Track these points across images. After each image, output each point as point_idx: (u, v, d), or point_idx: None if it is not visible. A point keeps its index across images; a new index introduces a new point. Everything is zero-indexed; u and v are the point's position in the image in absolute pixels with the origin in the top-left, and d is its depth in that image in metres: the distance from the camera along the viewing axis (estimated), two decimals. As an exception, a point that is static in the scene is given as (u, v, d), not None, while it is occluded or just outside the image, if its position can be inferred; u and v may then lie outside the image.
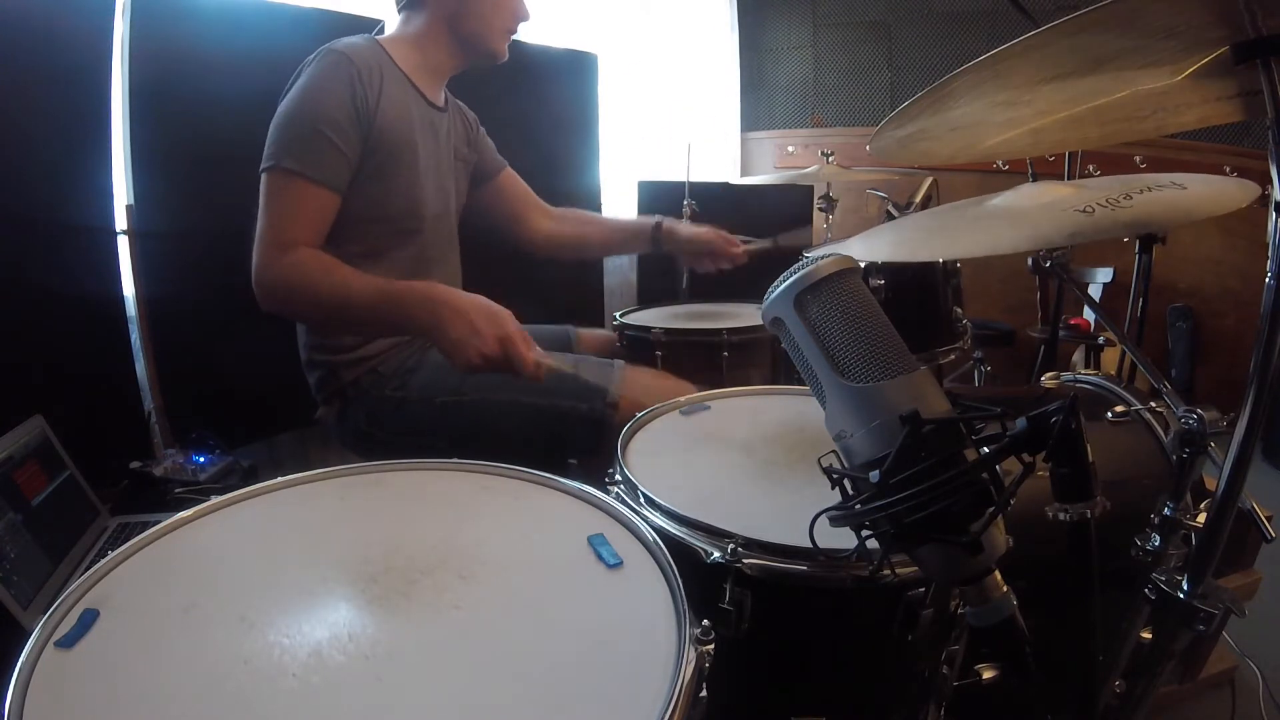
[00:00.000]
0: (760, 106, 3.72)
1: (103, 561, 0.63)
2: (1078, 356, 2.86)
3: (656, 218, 1.58)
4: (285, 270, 1.07)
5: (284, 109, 1.13)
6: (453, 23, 1.25)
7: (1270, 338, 0.56)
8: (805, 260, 0.55)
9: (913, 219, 0.91)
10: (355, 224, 1.19)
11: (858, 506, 0.51)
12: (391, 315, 1.08)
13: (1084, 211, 0.63)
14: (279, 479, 0.79)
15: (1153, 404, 1.00)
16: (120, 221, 1.60)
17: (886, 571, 0.60)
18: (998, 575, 0.52)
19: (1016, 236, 0.64)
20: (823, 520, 0.54)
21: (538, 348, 1.05)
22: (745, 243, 1.61)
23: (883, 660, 0.76)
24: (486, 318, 1.02)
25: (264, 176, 1.11)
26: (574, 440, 1.22)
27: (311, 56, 1.15)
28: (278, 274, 1.08)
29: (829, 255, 0.55)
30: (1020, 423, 0.49)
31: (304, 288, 1.07)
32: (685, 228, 1.57)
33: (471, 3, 1.24)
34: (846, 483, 0.54)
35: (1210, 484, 0.67)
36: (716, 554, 0.69)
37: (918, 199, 1.66)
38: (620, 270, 2.96)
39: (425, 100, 1.28)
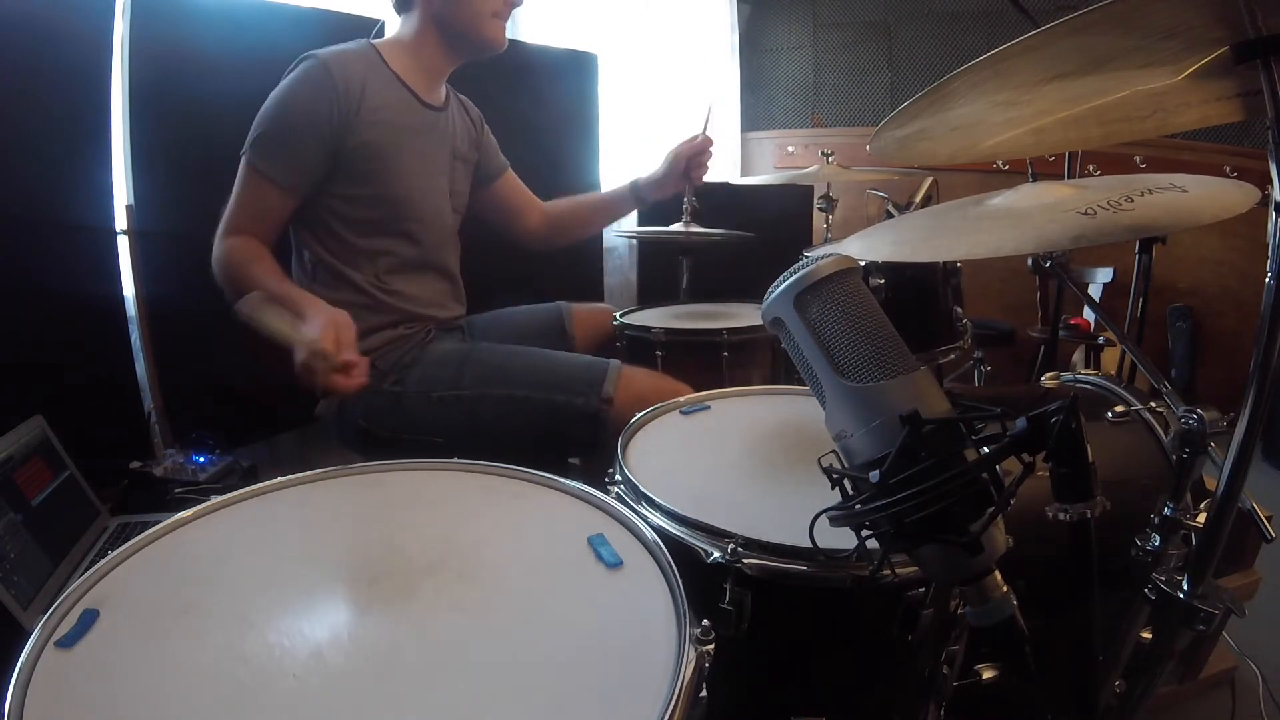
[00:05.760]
0: (760, 106, 3.72)
1: (103, 561, 0.63)
2: (1078, 356, 2.86)
3: (631, 181, 1.61)
4: (220, 252, 1.16)
5: (264, 107, 1.18)
6: (441, 20, 1.26)
7: (1270, 338, 0.56)
8: (805, 260, 0.55)
9: (913, 218, 0.91)
10: (345, 224, 1.22)
11: (858, 506, 0.51)
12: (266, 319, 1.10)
13: (1085, 214, 0.62)
14: (279, 479, 0.79)
15: (1153, 404, 1.00)
16: (120, 221, 1.60)
17: (886, 571, 0.60)
18: (998, 575, 0.52)
19: (1019, 238, 0.63)
20: (823, 520, 0.54)
21: (350, 354, 0.96)
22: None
23: (883, 660, 0.76)
24: (312, 326, 0.98)
25: (241, 162, 1.18)
26: (569, 435, 1.22)
27: (295, 62, 1.18)
28: (216, 254, 1.17)
29: (829, 255, 0.55)
30: (1020, 423, 0.49)
31: (226, 272, 1.15)
32: (658, 171, 1.59)
33: None
34: (846, 483, 0.54)
35: (1210, 484, 0.67)
36: (716, 554, 0.69)
37: (918, 199, 1.66)
38: (620, 270, 2.96)
39: (420, 101, 1.29)
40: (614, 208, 1.67)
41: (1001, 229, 0.68)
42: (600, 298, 2.81)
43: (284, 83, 1.18)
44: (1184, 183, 0.68)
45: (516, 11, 1.31)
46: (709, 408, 1.08)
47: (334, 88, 1.15)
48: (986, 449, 0.50)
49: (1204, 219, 0.64)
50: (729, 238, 1.72)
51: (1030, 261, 1.18)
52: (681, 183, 1.60)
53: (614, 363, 1.28)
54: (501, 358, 1.29)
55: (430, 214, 1.33)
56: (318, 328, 0.97)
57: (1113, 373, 1.28)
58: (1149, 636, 0.68)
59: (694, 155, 1.56)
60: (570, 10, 2.76)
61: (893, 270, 1.58)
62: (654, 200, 1.61)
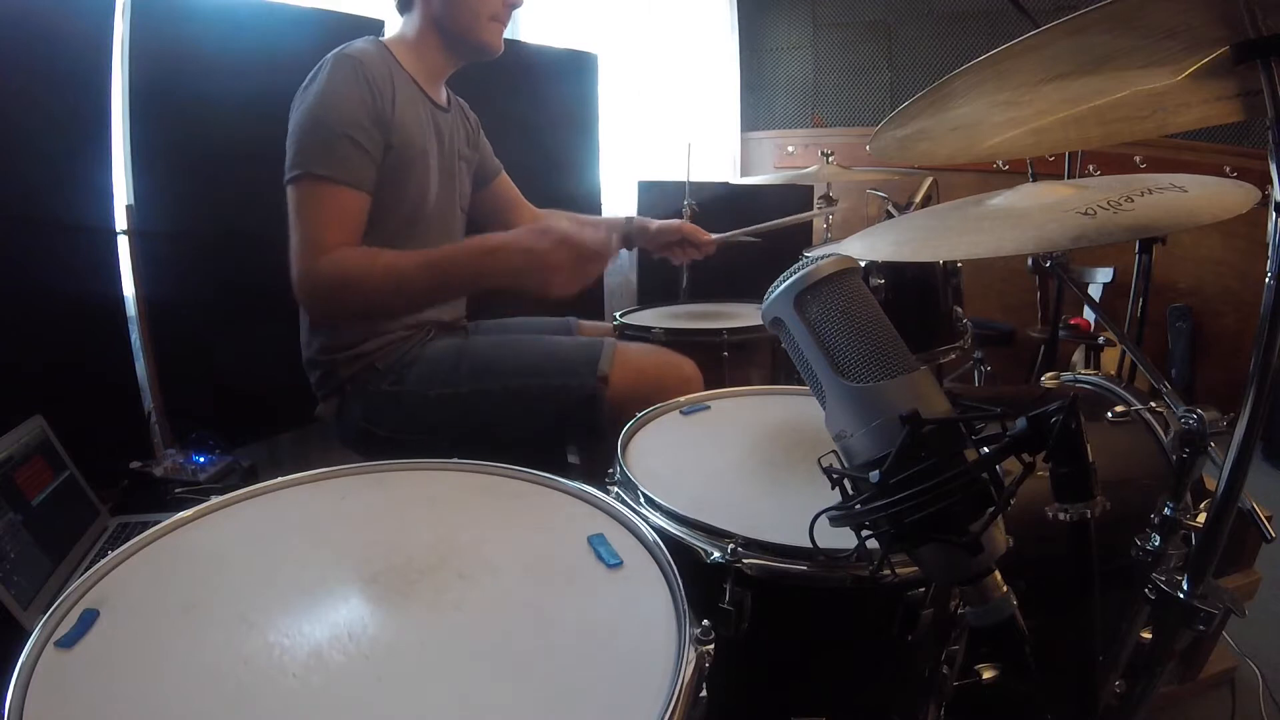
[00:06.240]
0: (760, 106, 3.72)
1: (103, 561, 0.63)
2: (1078, 356, 2.86)
3: (627, 216, 1.63)
4: (329, 269, 1.06)
5: (304, 117, 1.12)
6: (441, 21, 1.25)
7: (1270, 338, 0.56)
8: (805, 260, 0.55)
9: (913, 218, 0.91)
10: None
11: (858, 506, 0.51)
12: (451, 277, 1.10)
13: (1086, 214, 0.62)
14: (279, 479, 0.79)
15: (1153, 404, 1.00)
16: (120, 221, 1.60)
17: (886, 571, 0.60)
18: (998, 575, 0.52)
19: (1019, 238, 0.63)
20: (823, 520, 0.54)
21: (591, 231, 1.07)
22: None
23: (883, 660, 0.76)
24: (538, 234, 1.04)
25: (292, 187, 1.10)
26: (569, 419, 1.22)
27: (323, 62, 1.15)
28: (322, 275, 1.07)
29: (829, 255, 0.55)
30: (1020, 423, 0.49)
31: (350, 278, 1.07)
32: (654, 222, 1.62)
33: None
34: (846, 483, 0.54)
35: (1210, 484, 0.67)
36: (716, 554, 0.69)
37: (918, 199, 1.66)
38: (620, 270, 2.96)
39: (430, 100, 1.29)
40: None
41: (1001, 229, 0.68)
42: (600, 298, 2.81)
43: (322, 86, 1.12)
44: (1184, 183, 0.68)
45: (517, 11, 1.31)
46: (709, 408, 1.08)
47: (373, 80, 1.13)
48: (986, 449, 0.50)
49: (1204, 219, 0.64)
50: (733, 241, 1.72)
51: (1030, 261, 1.18)
52: (667, 250, 1.65)
53: (609, 340, 1.27)
54: (495, 348, 1.29)
55: (444, 214, 1.33)
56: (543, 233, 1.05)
57: (1113, 373, 1.28)
58: (1149, 636, 0.68)
59: (690, 238, 1.59)
60: (570, 10, 2.77)
61: (893, 270, 1.58)
62: (638, 247, 1.65)
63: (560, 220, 1.05)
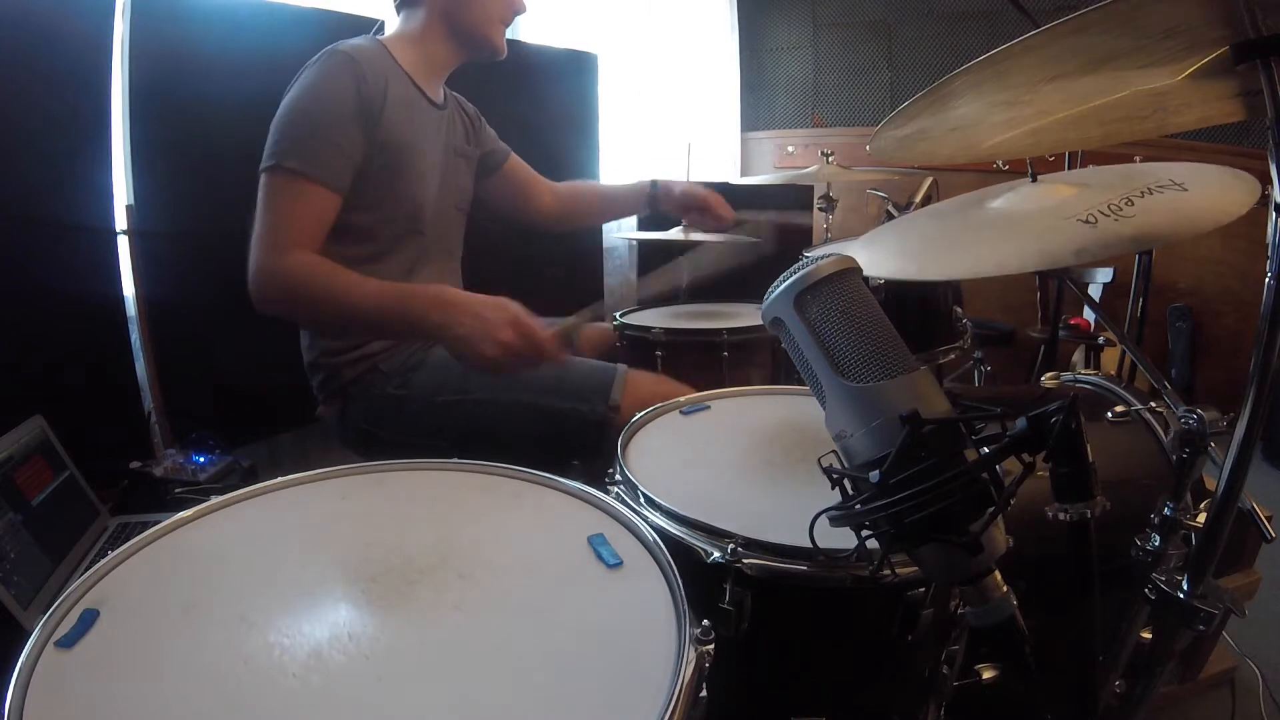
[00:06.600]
0: (760, 106, 3.72)
1: (103, 561, 0.63)
2: (1078, 356, 2.86)
3: (652, 178, 1.61)
4: (285, 271, 1.06)
5: (286, 108, 1.12)
6: (449, 17, 1.25)
7: (1270, 338, 0.56)
8: (805, 260, 0.55)
9: (914, 223, 0.91)
10: (359, 226, 1.19)
11: (858, 506, 0.51)
12: (397, 318, 1.07)
13: (1087, 221, 0.62)
14: (279, 479, 0.79)
15: (1153, 404, 1.00)
16: (120, 221, 1.60)
17: (886, 571, 0.60)
18: (998, 575, 0.52)
19: (1021, 254, 0.63)
20: (823, 520, 0.54)
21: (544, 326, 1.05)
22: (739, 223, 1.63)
23: (883, 660, 0.76)
24: (494, 307, 1.02)
25: (264, 176, 1.10)
26: (575, 442, 1.22)
27: (315, 58, 1.14)
28: (276, 276, 1.06)
29: (829, 255, 0.55)
30: (1020, 423, 0.49)
31: (304, 290, 1.06)
32: (679, 184, 1.60)
33: None
34: (846, 483, 0.54)
35: (1210, 484, 0.67)
36: (716, 554, 0.69)
37: (918, 199, 1.66)
38: (620, 270, 2.96)
39: (426, 99, 1.28)
40: (625, 203, 1.68)
41: (1003, 243, 0.68)
42: (600, 298, 2.81)
43: (308, 80, 1.11)
44: (1182, 177, 0.68)
45: (516, 12, 1.31)
46: (709, 408, 1.08)
47: (362, 76, 1.12)
48: (986, 449, 0.50)
49: (1206, 225, 0.64)
50: (732, 242, 1.72)
51: (1030, 261, 1.18)
52: (686, 214, 1.62)
53: (621, 368, 1.27)
54: None
55: (438, 215, 1.33)
56: (500, 307, 1.02)
57: (1113, 373, 1.28)
58: (1149, 636, 0.68)
59: (714, 208, 1.56)
60: (570, 10, 2.77)
61: (893, 270, 1.58)
62: (663, 210, 1.61)
63: (516, 305, 1.03)
